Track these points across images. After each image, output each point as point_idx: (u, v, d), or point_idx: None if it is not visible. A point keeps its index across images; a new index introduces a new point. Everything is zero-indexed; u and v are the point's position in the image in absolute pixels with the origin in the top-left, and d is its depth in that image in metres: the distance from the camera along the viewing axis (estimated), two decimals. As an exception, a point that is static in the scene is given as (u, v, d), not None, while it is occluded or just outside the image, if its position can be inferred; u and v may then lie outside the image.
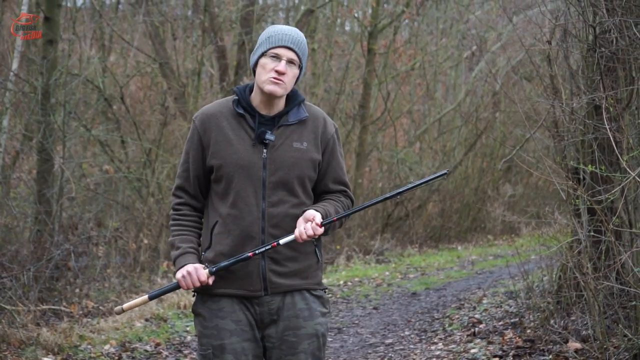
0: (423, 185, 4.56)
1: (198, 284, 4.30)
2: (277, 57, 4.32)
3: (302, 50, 4.38)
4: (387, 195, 4.49)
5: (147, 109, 16.46)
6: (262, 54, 4.36)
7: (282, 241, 4.30)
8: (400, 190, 4.49)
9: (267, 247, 4.29)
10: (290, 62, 4.34)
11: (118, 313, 4.42)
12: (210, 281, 4.33)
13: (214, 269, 4.31)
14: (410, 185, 4.54)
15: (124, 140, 15.04)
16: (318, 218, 4.26)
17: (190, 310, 10.84)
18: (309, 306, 4.44)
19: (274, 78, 4.30)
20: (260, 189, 4.34)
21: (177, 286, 4.37)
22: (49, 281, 10.79)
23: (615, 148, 6.77)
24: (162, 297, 11.42)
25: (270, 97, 4.36)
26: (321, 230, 4.27)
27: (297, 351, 4.41)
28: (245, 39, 16.41)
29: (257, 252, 4.29)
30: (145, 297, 4.43)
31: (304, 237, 4.25)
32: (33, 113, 12.22)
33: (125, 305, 4.41)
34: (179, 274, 4.33)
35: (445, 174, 4.56)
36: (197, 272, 4.29)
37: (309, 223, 4.25)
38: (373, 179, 20.32)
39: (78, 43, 15.08)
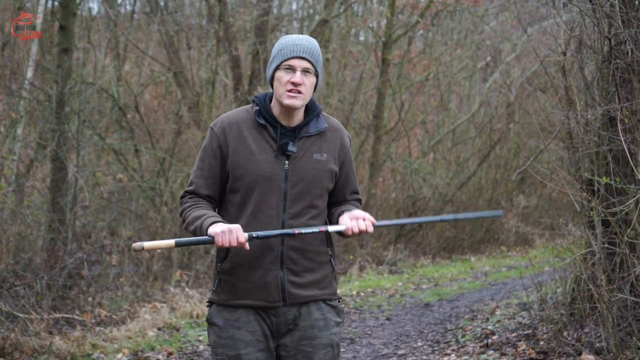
0: (474, 219, 4.65)
1: (235, 244, 4.15)
2: (292, 69, 4.30)
3: (316, 58, 4.35)
4: (445, 217, 4.61)
5: (161, 118, 16.51)
6: (277, 67, 4.33)
7: (330, 228, 4.30)
8: (458, 216, 4.57)
9: (314, 230, 4.28)
10: (305, 71, 4.31)
11: (136, 250, 4.26)
12: (247, 246, 4.21)
13: (254, 235, 4.21)
14: (464, 216, 4.63)
15: (138, 149, 15.07)
16: (371, 217, 4.31)
17: (203, 319, 10.88)
18: (324, 316, 4.45)
19: (290, 90, 4.29)
20: (281, 200, 4.33)
21: (211, 240, 4.16)
22: (62, 289, 10.82)
23: (630, 160, 6.76)
24: (175, 306, 11.43)
25: (289, 109, 4.34)
26: (372, 229, 4.31)
27: (312, 360, 4.43)
28: (260, 48, 16.45)
29: (303, 232, 4.26)
30: (172, 241, 4.19)
31: (356, 230, 4.28)
32: (47, 121, 12.27)
33: (146, 244, 4.17)
34: (217, 228, 4.15)
35: (500, 215, 4.70)
36: (238, 231, 4.16)
37: (361, 220, 4.28)
38: (386, 189, 20.32)
39: (93, 52, 15.17)
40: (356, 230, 4.27)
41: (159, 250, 13.38)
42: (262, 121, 4.37)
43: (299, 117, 4.41)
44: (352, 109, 19.27)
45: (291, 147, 4.33)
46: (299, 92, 4.29)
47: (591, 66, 8.08)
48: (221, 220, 4.25)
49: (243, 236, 4.17)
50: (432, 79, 21.49)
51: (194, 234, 4.31)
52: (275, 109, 4.40)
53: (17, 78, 13.18)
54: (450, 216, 4.57)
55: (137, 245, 4.17)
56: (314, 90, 4.41)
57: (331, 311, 4.49)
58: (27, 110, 12.85)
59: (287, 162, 4.34)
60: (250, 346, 4.37)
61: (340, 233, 4.35)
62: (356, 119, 19.69)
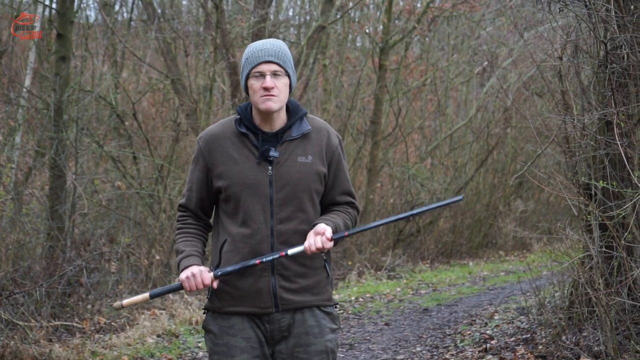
0: (437, 209, 4.62)
1: (202, 286, 4.32)
2: (261, 74, 4.34)
3: (283, 58, 4.37)
4: (400, 215, 4.54)
5: (159, 125, 16.53)
6: (247, 76, 4.38)
7: (290, 251, 4.30)
8: (414, 212, 4.54)
9: (274, 256, 4.30)
10: (274, 74, 4.34)
11: (117, 308, 4.40)
12: (215, 285, 4.34)
13: (219, 272, 4.33)
14: (424, 208, 4.58)
15: (136, 157, 15.06)
16: (329, 232, 4.28)
17: (202, 326, 10.90)
18: (318, 323, 4.46)
19: (264, 95, 4.32)
20: (267, 206, 4.35)
21: (180, 287, 4.37)
22: (61, 297, 10.82)
23: (626, 164, 6.79)
24: (175, 313, 11.44)
25: (268, 114, 4.38)
26: (330, 244, 4.28)
27: (307, 367, 4.43)
28: (257, 55, 16.42)
29: (264, 260, 4.30)
30: (147, 295, 4.41)
31: (313, 249, 4.26)
32: (46, 129, 12.27)
33: (125, 301, 4.38)
34: (182, 275, 4.34)
35: (461, 199, 4.68)
36: (201, 274, 4.32)
37: (319, 236, 4.27)
38: (384, 195, 20.31)
39: (90, 59, 15.16)
40: (313, 249, 4.27)
41: (157, 257, 13.38)
42: (243, 130, 4.41)
43: (280, 121, 4.44)
44: (349, 115, 19.28)
45: (273, 152, 4.36)
46: (273, 95, 4.33)
47: (587, 71, 8.11)
48: (194, 259, 4.42)
49: (208, 278, 4.34)
50: (429, 85, 21.49)
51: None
52: (256, 116, 4.43)
53: (15, 86, 13.21)
54: (406, 214, 4.57)
55: (117, 304, 4.41)
56: (290, 90, 4.44)
57: (326, 318, 4.50)
58: (26, 118, 12.86)
59: (270, 167, 4.37)
60: (245, 353, 4.39)
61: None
62: (354, 124, 19.70)
